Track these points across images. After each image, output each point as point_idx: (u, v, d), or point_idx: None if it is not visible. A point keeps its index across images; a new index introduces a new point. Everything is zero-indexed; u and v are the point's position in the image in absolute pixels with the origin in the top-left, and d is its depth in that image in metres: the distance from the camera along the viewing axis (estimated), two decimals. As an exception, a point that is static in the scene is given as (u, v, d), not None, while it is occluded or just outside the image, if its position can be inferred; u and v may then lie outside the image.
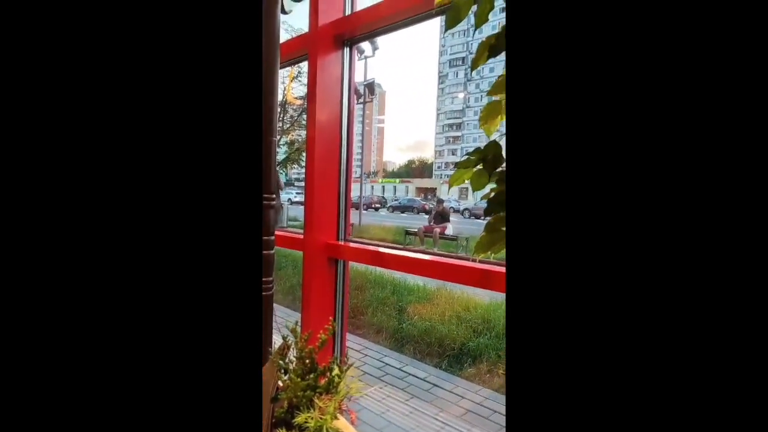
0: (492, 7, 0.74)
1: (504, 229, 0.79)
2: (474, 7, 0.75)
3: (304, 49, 1.78)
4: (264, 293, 1.32)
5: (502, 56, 0.75)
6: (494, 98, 0.80)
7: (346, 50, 1.77)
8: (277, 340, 0.86)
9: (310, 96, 1.71)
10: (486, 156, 0.81)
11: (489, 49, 0.68)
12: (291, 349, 0.75)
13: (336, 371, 0.69)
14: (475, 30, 0.80)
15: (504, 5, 0.69)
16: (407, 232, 7.92)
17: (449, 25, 0.82)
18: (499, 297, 3.56)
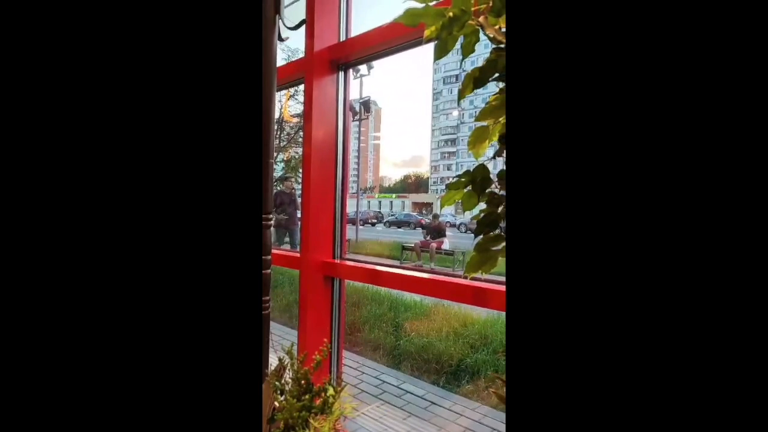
0: (477, 39, 0.78)
1: (494, 248, 0.82)
2: (461, 39, 0.79)
3: (301, 72, 1.83)
4: (261, 312, 1.33)
5: (488, 85, 0.79)
6: (482, 123, 0.84)
7: (341, 73, 1.83)
8: (273, 359, 0.87)
9: (306, 116, 1.76)
10: (475, 178, 0.84)
11: (473, 81, 0.72)
12: (287, 370, 0.77)
13: (331, 392, 0.71)
14: (462, 60, 0.84)
15: (488, 39, 0.74)
16: (404, 248, 7.92)
17: (438, 55, 0.86)
18: (495, 312, 3.56)
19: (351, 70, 1.88)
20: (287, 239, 6.36)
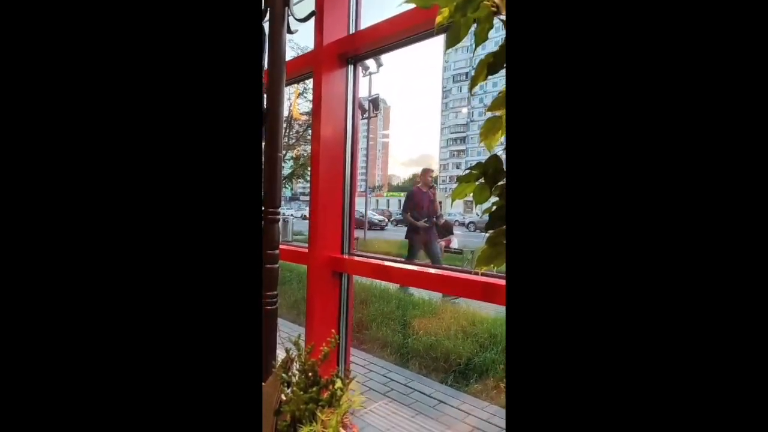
0: (491, 26, 0.76)
1: (505, 242, 0.80)
2: (474, 26, 0.77)
3: (310, 66, 1.82)
4: (268, 307, 1.32)
5: (503, 73, 0.77)
6: (494, 114, 0.82)
7: (350, 68, 1.81)
8: (281, 354, 0.86)
9: (315, 112, 1.75)
10: (487, 170, 0.82)
11: (487, 67, 0.70)
12: (294, 362, 0.76)
13: (339, 384, 0.69)
14: (476, 48, 0.82)
15: (503, 23, 0.71)
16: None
17: (450, 44, 0.84)
18: (505, 311, 3.51)
19: (360, 68, 1.87)
20: (421, 251, 4.98)
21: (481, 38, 0.76)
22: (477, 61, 0.79)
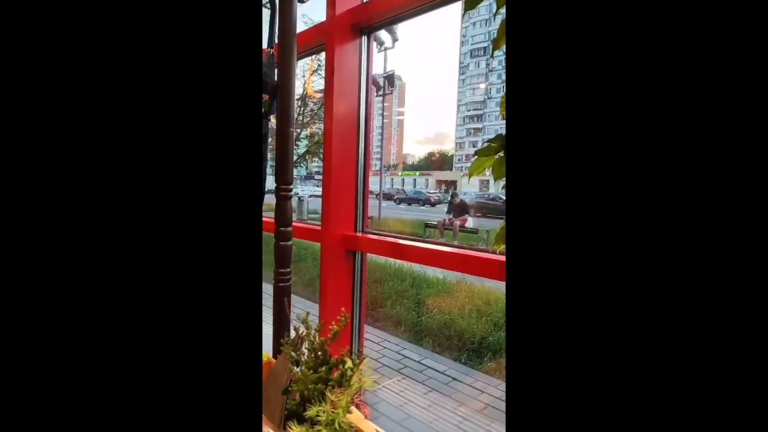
0: (514, -15, 0.69)
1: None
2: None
3: (322, 38, 1.75)
4: (281, 284, 1.32)
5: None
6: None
7: (364, 39, 1.74)
8: (294, 334, 0.85)
9: (328, 88, 1.70)
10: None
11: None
12: (303, 341, 0.74)
13: (349, 364, 0.68)
14: (497, 11, 0.76)
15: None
16: (427, 225, 7.87)
17: (468, 6, 0.78)
18: (521, 291, 3.47)
19: (375, 42, 1.79)
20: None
21: (502, 1, 0.70)
22: (499, 23, 0.73)
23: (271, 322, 1.34)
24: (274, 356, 1.17)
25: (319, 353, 0.70)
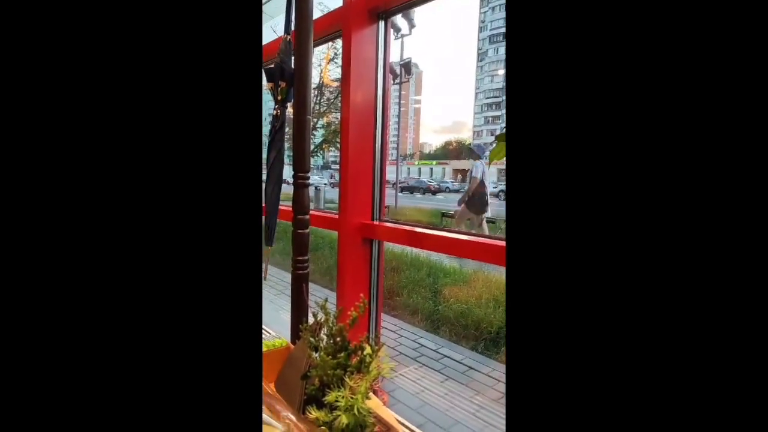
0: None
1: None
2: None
3: (338, 24, 1.73)
4: (300, 271, 1.33)
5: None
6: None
7: (381, 25, 1.71)
8: (312, 320, 0.86)
9: (345, 76, 1.68)
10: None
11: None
12: (322, 327, 0.74)
13: (368, 350, 0.68)
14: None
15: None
16: (444, 215, 7.81)
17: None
18: (539, 281, 3.41)
19: (392, 29, 1.76)
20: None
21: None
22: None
23: (290, 309, 1.36)
24: (293, 342, 1.19)
25: (338, 339, 0.70)
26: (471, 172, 6.03)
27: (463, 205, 6.01)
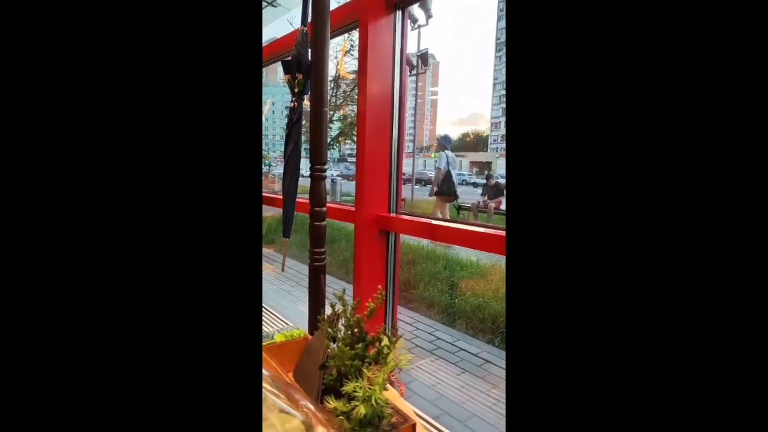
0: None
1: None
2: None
3: (355, 15, 1.72)
4: (317, 263, 1.34)
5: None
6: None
7: (399, 15, 1.69)
8: (330, 311, 0.86)
9: (361, 67, 1.67)
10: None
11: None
12: (340, 318, 0.75)
13: (385, 342, 0.68)
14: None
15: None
16: (460, 207, 7.75)
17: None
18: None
19: (409, 19, 1.73)
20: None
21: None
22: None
23: (307, 300, 1.38)
24: (311, 332, 1.20)
25: (356, 330, 0.70)
26: (436, 163, 6.39)
27: (435, 197, 6.35)
